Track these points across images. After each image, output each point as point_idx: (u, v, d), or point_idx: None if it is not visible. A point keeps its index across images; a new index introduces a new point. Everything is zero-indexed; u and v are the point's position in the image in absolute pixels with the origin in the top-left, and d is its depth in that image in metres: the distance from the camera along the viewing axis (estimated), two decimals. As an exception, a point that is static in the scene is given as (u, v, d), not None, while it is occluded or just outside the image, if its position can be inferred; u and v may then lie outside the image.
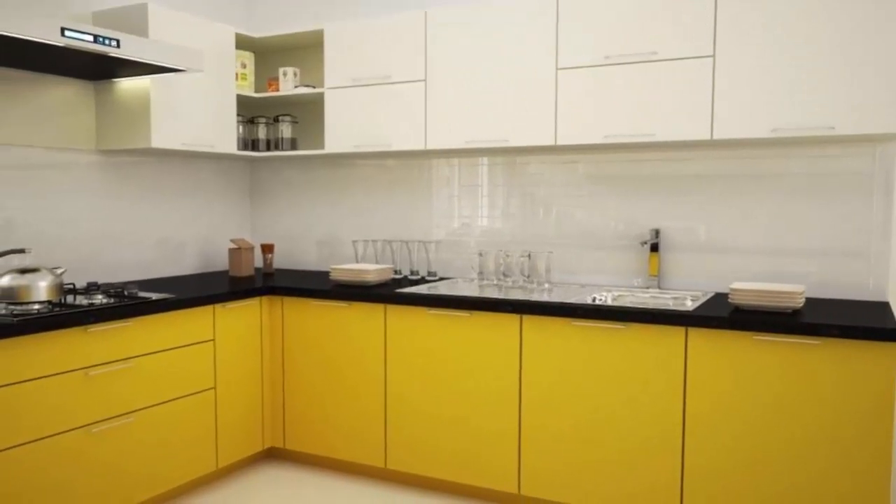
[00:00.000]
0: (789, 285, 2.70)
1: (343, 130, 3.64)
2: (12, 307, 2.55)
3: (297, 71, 3.88)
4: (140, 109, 3.24)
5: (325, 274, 3.94)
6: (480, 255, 3.53)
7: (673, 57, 2.89)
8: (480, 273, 3.53)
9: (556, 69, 3.12)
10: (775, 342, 2.50)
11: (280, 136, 3.98)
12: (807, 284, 3.02)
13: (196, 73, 3.44)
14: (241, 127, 3.95)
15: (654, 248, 3.25)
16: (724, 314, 2.57)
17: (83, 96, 3.32)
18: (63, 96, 3.23)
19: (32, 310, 2.54)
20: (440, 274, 3.82)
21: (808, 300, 2.91)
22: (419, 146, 3.45)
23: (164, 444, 2.97)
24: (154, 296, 2.98)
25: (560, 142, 3.13)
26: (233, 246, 4.20)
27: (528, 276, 3.43)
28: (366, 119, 3.57)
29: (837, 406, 2.42)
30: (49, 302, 2.64)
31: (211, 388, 3.19)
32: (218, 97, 3.59)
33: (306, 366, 3.44)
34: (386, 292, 3.21)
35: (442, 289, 3.29)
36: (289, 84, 3.86)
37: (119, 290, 2.98)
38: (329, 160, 4.11)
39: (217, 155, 3.84)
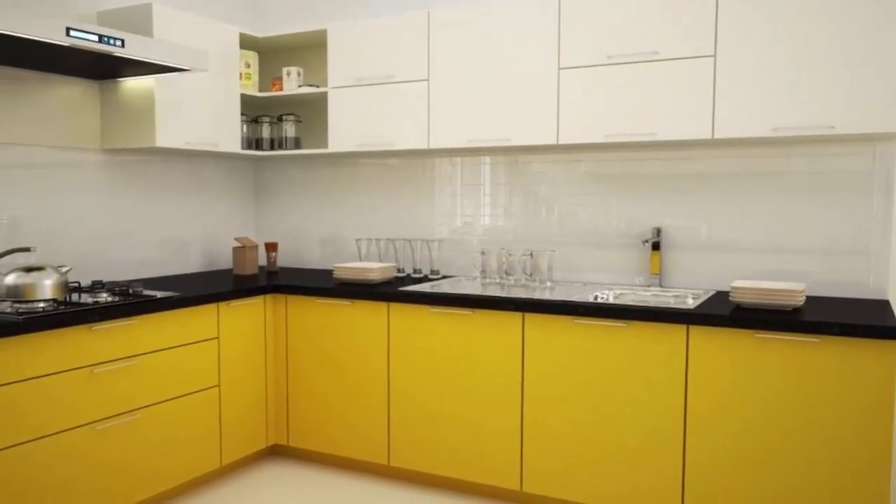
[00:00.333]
0: (790, 283, 2.71)
1: (346, 130, 3.66)
2: (18, 305, 2.57)
3: (301, 70, 3.90)
4: (145, 109, 3.26)
5: (329, 272, 3.96)
6: (483, 253, 3.54)
7: (674, 57, 2.90)
8: (483, 271, 3.55)
9: (558, 69, 3.13)
10: (776, 340, 2.51)
11: (284, 135, 4.00)
12: (807, 283, 3.03)
13: (200, 73, 3.46)
14: (244, 126, 3.97)
15: (656, 246, 3.26)
16: (725, 312, 2.59)
17: (88, 96, 3.34)
18: (68, 96, 3.26)
19: (38, 308, 2.56)
20: (443, 272, 3.84)
21: (809, 298, 2.92)
22: (422, 145, 3.46)
23: (169, 442, 2.99)
24: (158, 294, 3.00)
25: (562, 141, 3.15)
26: (237, 244, 4.22)
27: (531, 275, 3.45)
28: (369, 118, 3.59)
29: (837, 403, 2.44)
30: (54, 300, 2.66)
31: (215, 386, 3.21)
32: (222, 97, 3.61)
33: (310, 363, 3.46)
34: (389, 290, 3.23)
35: (445, 287, 3.31)
36: (292, 83, 3.88)
37: (124, 288, 3.00)
38: (332, 159, 4.13)
39: (221, 154, 3.86)
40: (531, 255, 3.45)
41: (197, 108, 3.45)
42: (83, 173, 3.34)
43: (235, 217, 4.23)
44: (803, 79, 2.70)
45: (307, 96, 3.92)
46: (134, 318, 2.82)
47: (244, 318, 3.36)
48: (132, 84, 3.29)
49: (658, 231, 3.27)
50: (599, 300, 2.99)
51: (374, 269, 3.43)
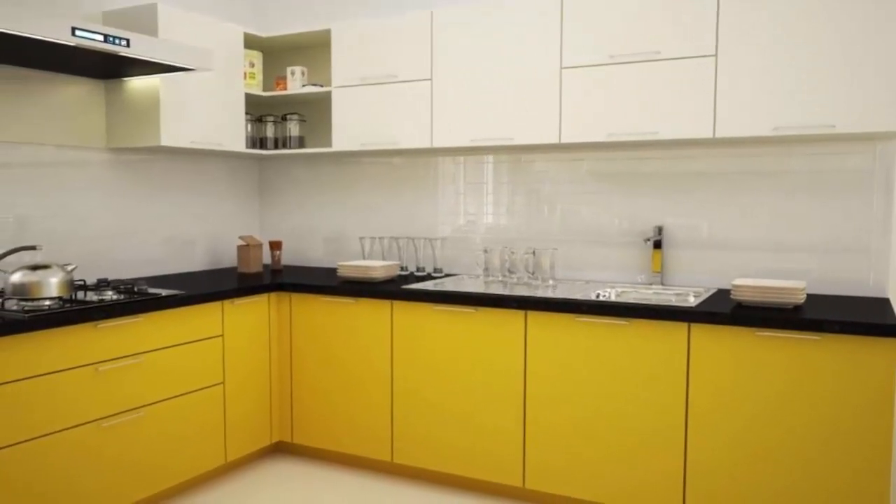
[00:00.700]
0: (790, 282, 2.72)
1: (350, 129, 3.68)
2: (23, 303, 2.59)
3: (305, 70, 3.92)
4: (150, 108, 3.28)
5: (333, 270, 3.98)
6: (486, 251, 3.56)
7: (676, 56, 2.92)
8: (486, 270, 3.56)
9: (561, 68, 3.15)
10: (777, 338, 2.52)
11: (288, 134, 4.02)
12: (808, 281, 3.05)
13: (205, 73, 3.48)
14: (249, 125, 3.99)
15: (658, 244, 3.28)
16: (726, 310, 2.60)
17: (94, 95, 3.36)
18: (74, 95, 3.28)
19: (43, 306, 2.57)
20: (446, 270, 3.85)
21: (809, 296, 2.93)
22: (425, 144, 3.48)
23: (174, 439, 3.02)
24: (163, 292, 3.02)
25: (564, 140, 3.16)
26: (241, 243, 4.24)
27: (533, 273, 3.46)
28: (372, 117, 3.61)
29: (838, 401, 2.45)
30: (60, 298, 2.68)
31: (220, 384, 3.23)
32: (226, 96, 3.63)
33: (314, 361, 3.48)
34: (392, 288, 3.24)
35: (448, 285, 3.33)
36: (296, 83, 3.90)
37: (129, 286, 3.02)
38: (336, 158, 4.14)
39: (226, 153, 3.88)
40: (534, 253, 3.47)
41: (202, 107, 3.47)
42: (89, 172, 3.36)
43: (240, 216, 4.25)
44: (804, 78, 2.71)
45: (311, 96, 3.94)
46: (139, 315, 2.84)
47: (248, 315, 3.38)
48: (137, 83, 3.31)
49: (660, 229, 3.28)
50: (601, 298, 3.00)
51: (378, 267, 3.45)
